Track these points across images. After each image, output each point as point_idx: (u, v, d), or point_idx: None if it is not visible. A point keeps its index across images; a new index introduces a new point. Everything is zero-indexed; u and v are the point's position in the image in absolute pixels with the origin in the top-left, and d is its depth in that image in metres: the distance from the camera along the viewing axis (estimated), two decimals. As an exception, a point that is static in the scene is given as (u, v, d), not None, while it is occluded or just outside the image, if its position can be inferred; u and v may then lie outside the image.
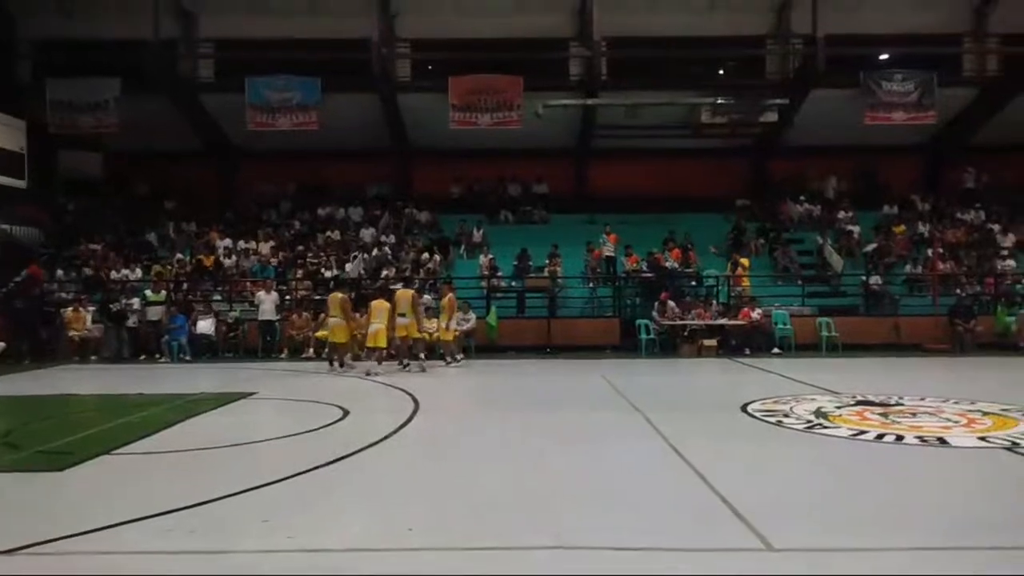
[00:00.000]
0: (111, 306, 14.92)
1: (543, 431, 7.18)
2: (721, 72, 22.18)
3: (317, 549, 3.85)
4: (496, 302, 16.71)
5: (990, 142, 21.11)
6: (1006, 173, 21.61)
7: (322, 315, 13.70)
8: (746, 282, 17.16)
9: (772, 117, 20.22)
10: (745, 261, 17.63)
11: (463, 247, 19.85)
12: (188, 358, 14.46)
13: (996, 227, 19.94)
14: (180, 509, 4.48)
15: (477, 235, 20.01)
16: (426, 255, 18.46)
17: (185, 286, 17.27)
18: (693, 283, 17.11)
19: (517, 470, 5.59)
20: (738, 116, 20.39)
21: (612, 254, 18.17)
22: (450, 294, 13.60)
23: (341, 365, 12.60)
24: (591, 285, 17.97)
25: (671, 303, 15.71)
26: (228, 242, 19.09)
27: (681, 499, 4.76)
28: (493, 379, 11.89)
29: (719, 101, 19.99)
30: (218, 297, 17.03)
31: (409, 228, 20.63)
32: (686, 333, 15.27)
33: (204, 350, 14.80)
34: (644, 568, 3.62)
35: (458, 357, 13.34)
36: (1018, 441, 6.31)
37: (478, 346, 15.18)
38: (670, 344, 15.32)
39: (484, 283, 17.50)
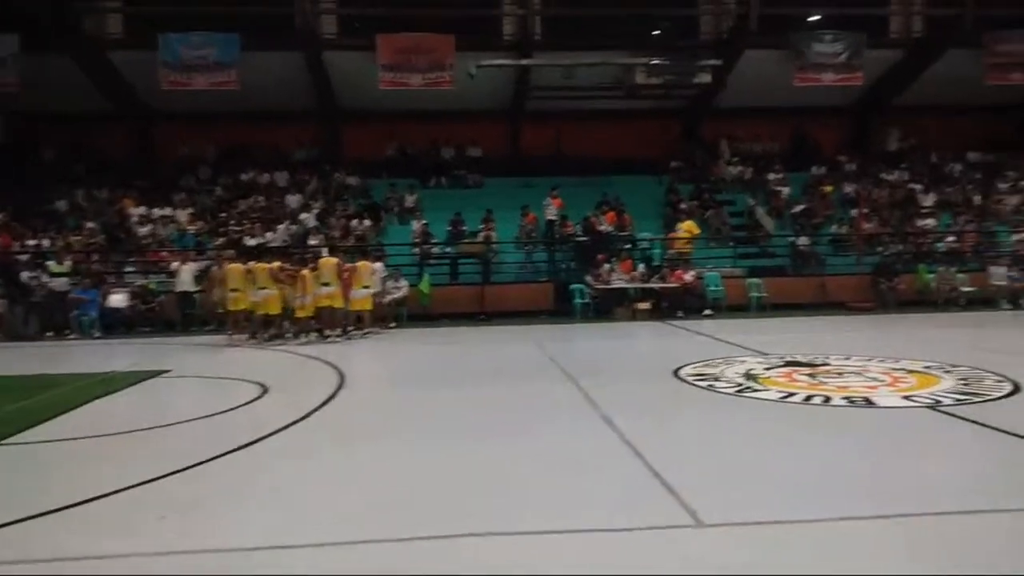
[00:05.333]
0: (20, 277, 13.96)
1: (471, 406, 6.94)
2: (656, 32, 21.93)
3: (216, 549, 3.52)
4: (429, 269, 16.35)
5: (914, 103, 21.60)
6: (928, 134, 22.22)
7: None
8: (687, 245, 17.15)
9: (706, 78, 20.15)
10: (689, 224, 17.59)
11: (396, 212, 19.31)
12: (99, 334, 13.66)
13: (918, 187, 20.51)
14: (64, 508, 4.06)
15: (410, 200, 19.48)
16: (356, 221, 17.87)
17: (95, 257, 16.27)
18: (628, 246, 17.06)
19: (443, 450, 5.34)
20: (672, 77, 20.24)
21: (555, 218, 17.89)
22: (362, 262, 13.00)
23: (275, 338, 12.20)
24: (526, 249, 17.75)
25: (606, 266, 15.63)
26: (143, 209, 18.07)
27: (611, 474, 4.60)
28: (423, 349, 11.59)
29: (654, 62, 19.79)
30: (131, 268, 16.12)
31: (338, 194, 19.93)
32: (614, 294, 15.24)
33: (117, 325, 14.00)
34: (570, 551, 3.44)
35: (349, 329, 12.69)
36: (941, 399, 6.39)
37: (411, 314, 14.83)
38: (605, 308, 15.26)
39: (417, 249, 17.07)
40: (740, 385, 7.33)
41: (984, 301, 15.45)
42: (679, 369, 8.25)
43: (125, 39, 19.52)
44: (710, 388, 7.26)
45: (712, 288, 15.76)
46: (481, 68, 18.87)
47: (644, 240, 17.67)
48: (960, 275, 16.20)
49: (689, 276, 15.58)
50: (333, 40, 19.83)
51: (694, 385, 7.45)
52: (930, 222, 18.90)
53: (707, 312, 15.19)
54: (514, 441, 5.52)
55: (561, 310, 15.41)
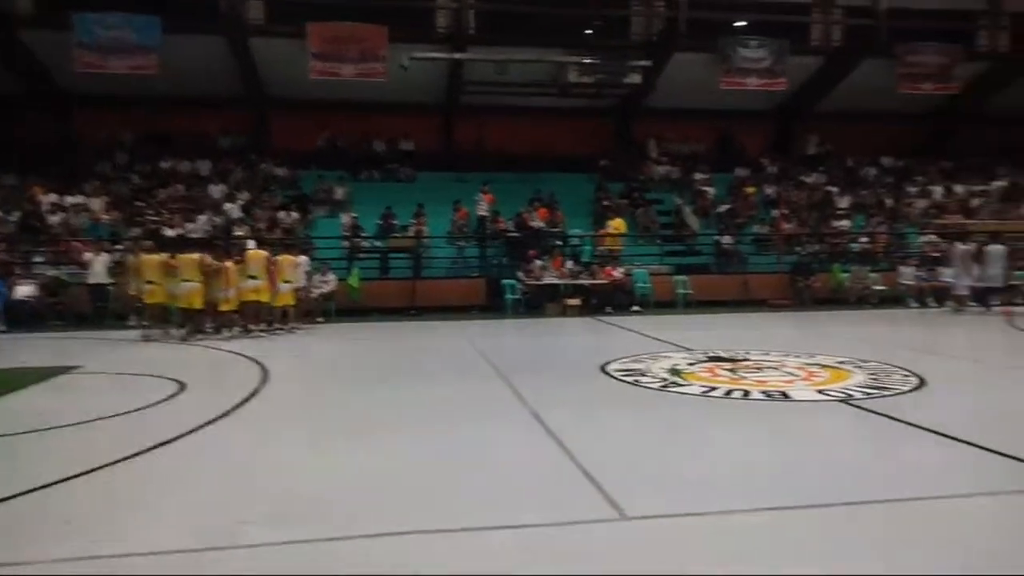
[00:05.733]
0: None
1: (398, 402, 6.85)
2: (589, 32, 22.18)
3: (123, 554, 3.37)
4: (359, 263, 16.11)
5: (832, 109, 22.54)
6: (844, 139, 23.22)
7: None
8: (617, 243, 17.43)
9: (636, 79, 20.51)
10: (618, 222, 17.89)
11: (325, 205, 18.93)
12: (3, 328, 12.88)
13: (834, 189, 21.42)
14: (-40, 513, 3.82)
15: (340, 192, 19.13)
16: (283, 213, 17.43)
17: (2, 246, 15.37)
18: (559, 242, 17.23)
19: (369, 447, 5.25)
20: (604, 76, 20.51)
21: (486, 213, 17.91)
22: (284, 256, 12.61)
23: (197, 333, 11.70)
24: (459, 245, 17.69)
25: (538, 262, 15.73)
26: (54, 197, 17.16)
27: (538, 469, 4.62)
28: (351, 345, 11.41)
29: (586, 60, 20.00)
30: (41, 259, 15.29)
31: (265, 184, 19.39)
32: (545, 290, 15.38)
33: (25, 318, 13.25)
34: (496, 547, 3.44)
35: (274, 325, 12.37)
36: (852, 393, 6.67)
37: (340, 308, 14.59)
38: (535, 304, 15.36)
39: (346, 243, 16.79)
40: (665, 380, 7.49)
41: (893, 299, 16.25)
42: (607, 364, 8.37)
43: (37, 17, 18.49)
44: (636, 383, 7.38)
45: (640, 285, 16.08)
46: (414, 60, 18.70)
47: (575, 237, 17.86)
48: (872, 274, 17.01)
49: (618, 273, 15.84)
50: (260, 26, 19.27)
51: (621, 380, 7.56)
52: (845, 223, 19.76)
53: (635, 308, 15.48)
54: (441, 437, 5.48)
55: (492, 306, 15.43)
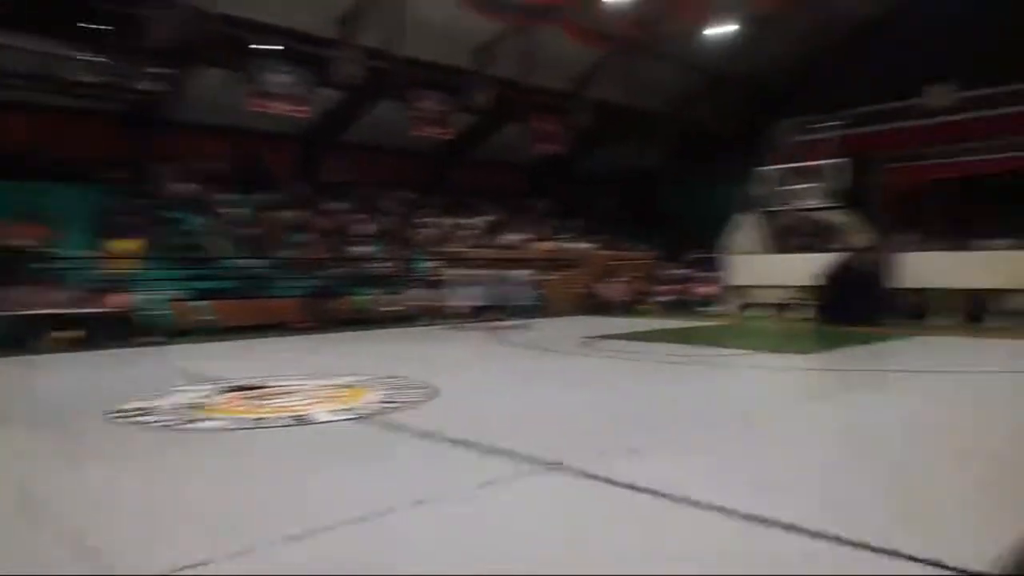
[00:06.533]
0: None
1: None
2: (95, 27, 19.44)
3: None
4: None
5: (355, 141, 24.11)
6: (365, 169, 25.06)
7: None
8: (127, 264, 15.65)
9: (156, 86, 18.81)
10: (129, 242, 16.05)
11: None
12: None
13: (356, 217, 22.90)
14: None
15: None
16: None
17: None
18: (50, 264, 14.69)
19: None
20: (116, 79, 18.30)
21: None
22: None
23: None
24: None
25: (21, 288, 13.16)
26: None
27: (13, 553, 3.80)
28: None
29: (93, 58, 17.57)
30: None
31: None
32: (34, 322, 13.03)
33: None
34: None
35: None
36: (370, 410, 7.10)
37: None
38: (17, 339, 12.75)
39: None
40: (182, 418, 6.92)
41: (407, 318, 18.06)
42: (111, 407, 7.35)
43: None
44: (150, 425, 6.65)
45: (156, 312, 14.71)
46: None
47: (74, 258, 15.45)
48: (388, 296, 18.62)
49: (127, 299, 14.25)
50: None
51: (129, 424, 6.73)
52: (365, 249, 21.26)
53: (152, 339, 14.06)
54: None
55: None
